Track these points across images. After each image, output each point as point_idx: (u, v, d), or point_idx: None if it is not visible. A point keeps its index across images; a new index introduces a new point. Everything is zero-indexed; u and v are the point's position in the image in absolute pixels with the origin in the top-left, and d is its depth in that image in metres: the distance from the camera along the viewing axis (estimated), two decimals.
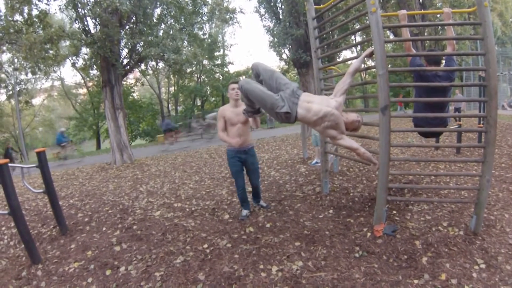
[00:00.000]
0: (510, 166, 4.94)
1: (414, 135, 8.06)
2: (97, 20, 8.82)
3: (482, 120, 6.73)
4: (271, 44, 12.83)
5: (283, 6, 12.15)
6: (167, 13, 10.53)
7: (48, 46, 8.66)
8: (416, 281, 2.24)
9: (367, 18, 2.86)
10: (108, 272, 2.74)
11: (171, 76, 27.67)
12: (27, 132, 26.94)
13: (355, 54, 21.44)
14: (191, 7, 10.37)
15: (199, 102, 29.20)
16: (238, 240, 3.14)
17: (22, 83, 18.21)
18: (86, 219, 4.26)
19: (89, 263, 2.93)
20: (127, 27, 9.61)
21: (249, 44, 52.48)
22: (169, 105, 31.49)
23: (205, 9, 10.90)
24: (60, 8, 8.92)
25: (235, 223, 3.58)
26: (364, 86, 24.34)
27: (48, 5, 8.74)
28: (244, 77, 27.22)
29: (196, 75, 27.32)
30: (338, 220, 3.40)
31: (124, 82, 18.97)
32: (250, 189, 4.05)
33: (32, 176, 9.16)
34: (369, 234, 2.98)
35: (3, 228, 4.22)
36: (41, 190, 3.83)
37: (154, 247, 3.15)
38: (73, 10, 8.90)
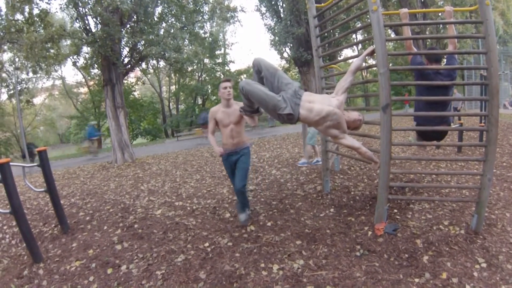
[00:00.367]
0: (511, 165, 4.93)
1: (415, 134, 8.05)
2: (98, 19, 8.82)
3: (483, 119, 6.72)
4: (272, 42, 12.82)
5: (284, 5, 12.12)
6: (168, 11, 10.53)
7: (49, 45, 8.66)
8: (417, 280, 2.24)
9: (368, 16, 2.85)
10: (109, 271, 2.75)
11: (172, 75, 27.71)
12: (28, 131, 26.98)
13: (356, 53, 21.41)
14: (192, 6, 10.36)
15: (200, 101, 29.20)
16: (239, 239, 3.14)
17: (23, 82, 18.18)
18: (88, 218, 4.27)
19: (90, 261, 2.94)
20: (128, 26, 9.61)
21: (250, 42, 52.48)
22: (170, 104, 31.51)
23: (206, 8, 10.89)
24: (61, 7, 8.93)
25: (236, 222, 3.58)
26: (365, 84, 24.33)
27: (49, 4, 8.80)
28: (244, 76, 27.22)
29: (197, 73, 27.34)
30: (339, 219, 3.40)
31: (125, 81, 18.98)
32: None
33: (34, 175, 9.18)
34: (370, 232, 2.98)
35: (5, 227, 4.23)
36: (42, 189, 3.84)
37: (155, 246, 3.16)
38: (74, 9, 8.91)
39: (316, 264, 2.56)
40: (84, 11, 8.96)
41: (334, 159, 5.27)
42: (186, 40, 10.68)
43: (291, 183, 5.02)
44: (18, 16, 8.97)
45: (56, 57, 9.48)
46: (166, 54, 9.23)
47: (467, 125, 9.16)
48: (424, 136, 3.32)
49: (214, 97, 29.12)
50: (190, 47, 10.62)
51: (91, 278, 2.66)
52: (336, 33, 11.79)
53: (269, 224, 3.44)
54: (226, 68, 27.53)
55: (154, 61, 12.20)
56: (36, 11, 8.63)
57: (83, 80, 26.23)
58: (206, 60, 25.73)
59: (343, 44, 11.75)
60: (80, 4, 8.57)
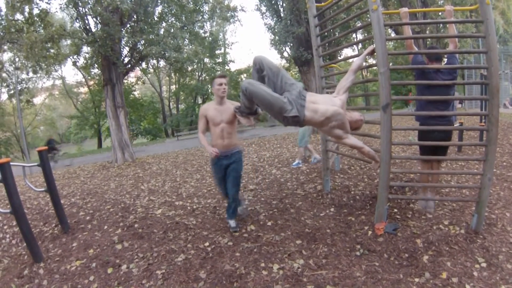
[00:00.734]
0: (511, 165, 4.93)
1: (415, 133, 8.04)
2: (98, 18, 8.82)
3: (483, 119, 6.71)
4: (272, 42, 12.81)
5: (284, 4, 12.10)
6: (168, 11, 10.53)
7: (49, 45, 8.67)
8: (417, 280, 2.24)
9: (368, 15, 2.85)
10: (109, 270, 2.75)
11: (172, 75, 27.71)
12: (29, 131, 27.01)
13: (356, 52, 21.43)
14: (192, 5, 10.37)
15: (200, 101, 29.22)
16: (239, 238, 3.14)
17: (23, 82, 18.21)
18: (88, 218, 4.27)
19: (90, 261, 2.94)
20: (128, 25, 9.62)
21: (250, 42, 52.46)
22: (170, 104, 31.53)
23: (206, 7, 10.89)
24: (61, 7, 8.94)
25: (236, 221, 3.58)
26: (365, 84, 24.29)
27: (49, 4, 8.81)
28: (244, 75, 27.21)
29: (197, 73, 27.34)
30: (339, 218, 3.40)
31: (125, 81, 18.99)
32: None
33: (34, 175, 9.19)
34: (370, 232, 2.98)
35: (5, 227, 4.24)
36: (42, 189, 3.84)
37: (155, 245, 3.16)
38: (73, 9, 8.92)
39: (316, 264, 2.56)
40: (84, 11, 8.96)
41: (334, 158, 5.27)
42: (186, 39, 10.68)
43: (291, 182, 5.03)
44: (18, 16, 8.98)
45: (56, 57, 9.48)
46: (166, 54, 9.23)
47: (467, 124, 9.15)
48: (426, 136, 3.21)
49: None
50: (190, 46, 10.62)
51: (91, 278, 2.66)
52: (336, 33, 11.77)
53: (269, 223, 3.45)
54: (226, 67, 27.54)
55: (154, 61, 12.20)
56: (36, 11, 8.65)
57: (83, 79, 26.25)
58: (206, 60, 25.75)
59: (343, 43, 11.74)
60: (80, 4, 8.57)
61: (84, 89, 28.54)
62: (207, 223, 3.64)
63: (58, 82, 27.66)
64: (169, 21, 10.54)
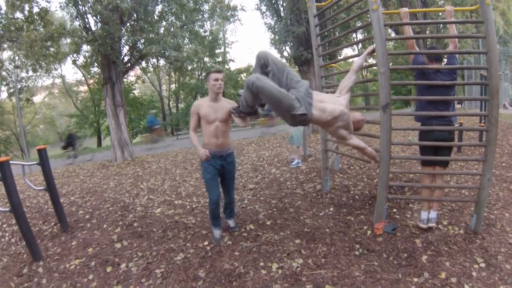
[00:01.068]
0: (511, 165, 4.93)
1: (415, 133, 8.04)
2: (98, 17, 8.80)
3: (483, 119, 6.71)
4: (272, 41, 12.79)
5: (284, 4, 12.09)
6: (168, 10, 10.51)
7: (48, 44, 8.64)
8: (416, 279, 2.24)
9: (368, 15, 2.85)
10: (109, 269, 2.75)
11: (172, 74, 27.68)
12: (28, 130, 26.96)
13: (356, 52, 21.42)
14: (192, 5, 10.34)
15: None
16: (238, 238, 3.15)
17: (23, 80, 18.18)
18: (87, 216, 4.27)
19: (90, 260, 2.94)
20: (128, 24, 9.60)
21: (250, 41, 52.42)
22: (170, 103, 31.51)
23: (206, 7, 10.87)
24: (60, 6, 8.91)
25: (236, 220, 3.58)
26: (365, 84, 24.30)
27: (49, 2, 8.80)
28: (244, 75, 27.18)
29: (197, 72, 27.32)
30: (338, 218, 3.41)
31: (125, 80, 18.98)
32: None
33: (33, 174, 9.18)
34: (369, 232, 2.98)
35: (5, 225, 4.24)
36: (42, 188, 3.84)
37: (154, 244, 3.16)
38: (73, 8, 8.90)
39: (315, 263, 2.56)
40: (84, 10, 8.94)
41: (333, 158, 5.28)
42: (186, 38, 10.67)
43: (291, 182, 5.03)
44: (18, 15, 8.95)
45: (56, 55, 9.46)
46: (166, 53, 9.21)
47: (467, 125, 9.16)
48: (426, 136, 3.19)
49: None
50: (190, 45, 10.60)
51: (90, 277, 2.66)
52: (337, 32, 11.76)
53: (268, 223, 3.45)
54: (226, 66, 27.53)
55: (154, 60, 12.20)
56: (36, 10, 8.63)
57: (83, 78, 26.23)
58: (206, 59, 25.70)
59: (343, 43, 11.73)
60: (80, 2, 8.55)
61: (84, 88, 28.50)
62: (206, 222, 3.64)
63: (58, 80, 27.63)
64: (169, 20, 10.52)
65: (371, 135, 3.92)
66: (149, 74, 26.89)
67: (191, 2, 10.37)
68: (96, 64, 10.25)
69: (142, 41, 9.43)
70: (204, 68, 26.59)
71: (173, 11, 10.42)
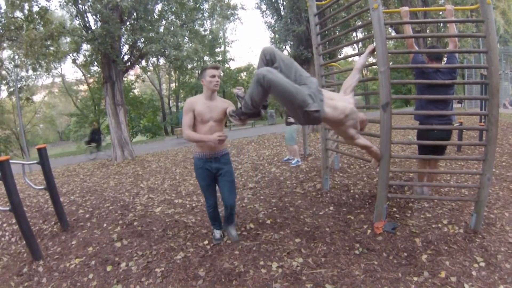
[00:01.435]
0: (511, 165, 4.93)
1: (415, 132, 8.06)
2: (98, 16, 8.80)
3: (483, 118, 6.71)
4: (273, 40, 12.78)
5: (284, 3, 12.08)
6: (168, 9, 10.50)
7: (48, 43, 8.64)
8: (415, 279, 2.24)
9: (368, 14, 2.84)
10: (109, 268, 2.75)
11: (172, 73, 27.61)
12: (28, 129, 26.94)
13: (356, 51, 21.38)
14: (192, 3, 10.34)
15: None
16: (238, 237, 3.15)
17: (23, 80, 18.17)
18: (87, 216, 4.27)
19: (90, 259, 2.95)
20: (128, 23, 9.59)
21: (250, 40, 52.39)
22: (170, 102, 31.50)
23: (206, 5, 10.86)
24: (60, 5, 8.89)
25: (236, 220, 3.58)
26: (365, 83, 24.28)
27: (49, 1, 8.84)
28: (244, 74, 27.15)
29: (197, 71, 27.25)
30: (338, 217, 3.41)
31: (124, 79, 18.97)
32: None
33: (33, 173, 9.18)
34: (369, 231, 2.99)
35: (5, 225, 4.24)
36: (42, 187, 3.84)
37: (154, 243, 3.16)
38: (73, 7, 8.88)
39: (315, 262, 2.57)
40: (83, 9, 8.93)
41: (333, 157, 5.28)
42: (186, 37, 10.65)
43: (291, 181, 5.03)
44: (18, 14, 8.94)
45: (56, 54, 9.46)
46: (166, 52, 9.20)
47: (467, 124, 9.15)
48: (425, 136, 3.21)
49: None
50: (190, 44, 10.59)
51: (90, 276, 2.66)
52: (337, 31, 11.74)
53: (268, 222, 3.45)
54: (226, 65, 27.52)
55: (154, 59, 12.16)
56: (35, 9, 8.62)
57: (83, 77, 26.17)
58: (206, 58, 25.66)
59: (343, 42, 11.72)
60: (79, 1, 8.54)
61: (84, 87, 28.44)
62: (206, 221, 3.64)
63: (57, 79, 27.57)
64: (169, 19, 10.50)
65: (371, 134, 3.91)
66: (149, 73, 26.86)
67: (191, 1, 10.37)
68: (96, 63, 10.25)
69: (142, 40, 9.42)
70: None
71: (173, 10, 10.41)
